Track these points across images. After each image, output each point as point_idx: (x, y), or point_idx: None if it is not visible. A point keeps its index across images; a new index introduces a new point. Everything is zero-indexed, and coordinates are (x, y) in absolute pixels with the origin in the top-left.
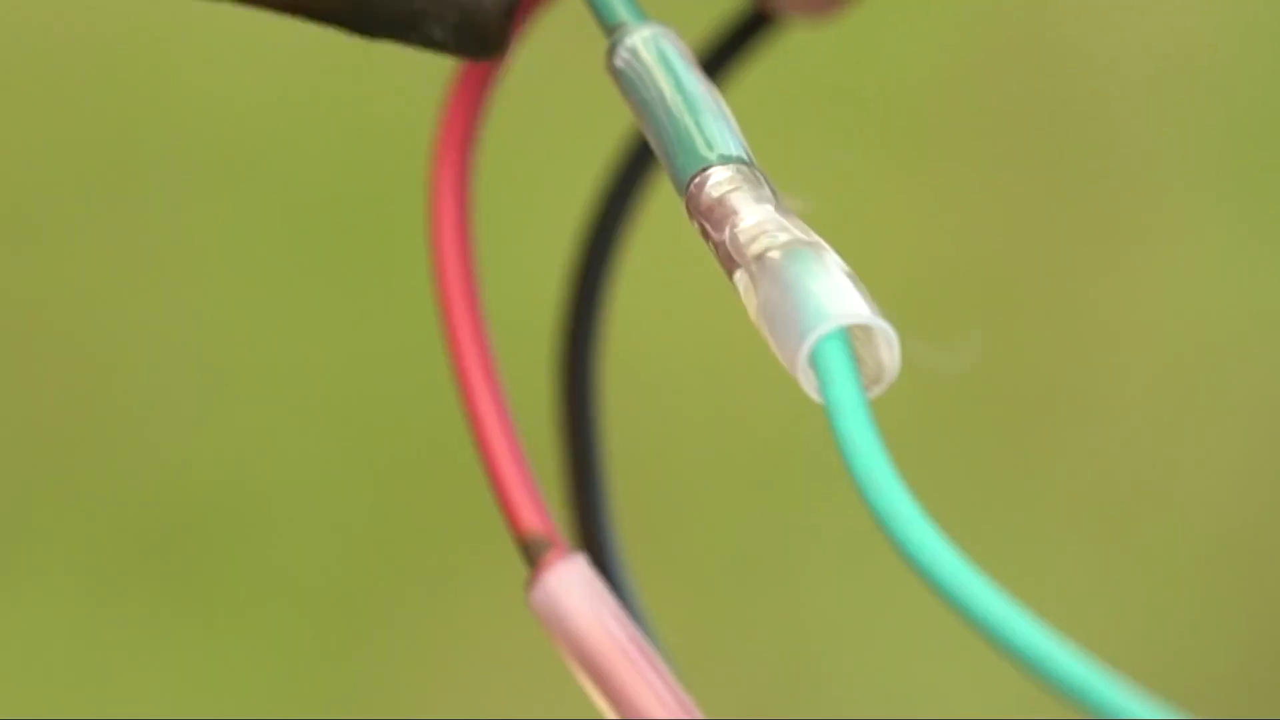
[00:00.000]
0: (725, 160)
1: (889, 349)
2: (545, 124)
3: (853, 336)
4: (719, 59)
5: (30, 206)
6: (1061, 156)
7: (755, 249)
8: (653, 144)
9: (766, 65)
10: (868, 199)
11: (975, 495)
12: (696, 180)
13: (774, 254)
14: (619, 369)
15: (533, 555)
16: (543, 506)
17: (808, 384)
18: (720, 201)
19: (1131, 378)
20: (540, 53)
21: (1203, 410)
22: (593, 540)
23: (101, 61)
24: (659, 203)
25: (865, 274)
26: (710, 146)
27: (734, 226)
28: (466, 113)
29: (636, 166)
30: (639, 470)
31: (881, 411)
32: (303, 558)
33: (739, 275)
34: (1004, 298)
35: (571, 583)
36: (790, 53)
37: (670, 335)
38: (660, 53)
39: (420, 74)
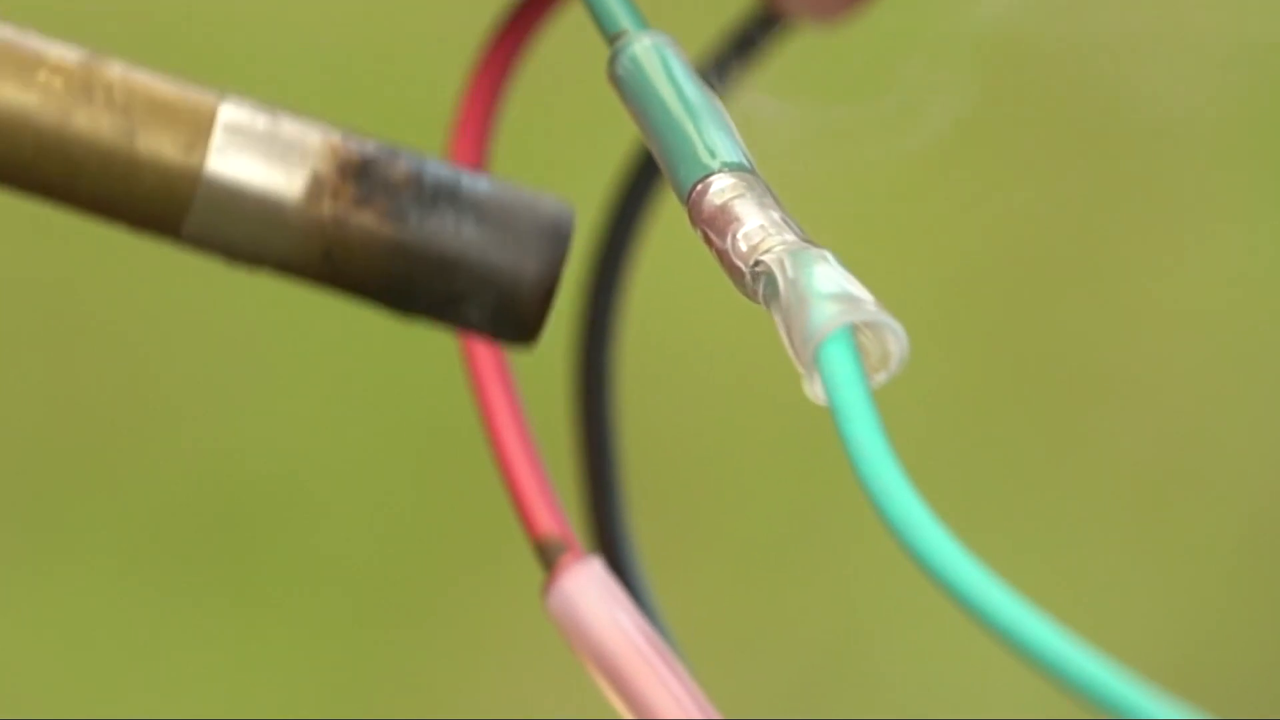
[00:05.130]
0: (727, 167)
1: (896, 340)
2: (552, 131)
3: (860, 334)
4: (728, 60)
5: None
6: (1103, 141)
7: (757, 255)
8: (654, 152)
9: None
10: (907, 186)
11: (1011, 481)
12: (698, 188)
13: (775, 259)
14: (634, 371)
15: (548, 559)
16: (558, 510)
17: (817, 388)
18: (722, 209)
19: (1170, 364)
20: (544, 62)
21: (1242, 398)
22: (609, 542)
23: (144, 50)
24: (674, 203)
25: (906, 261)
26: (712, 154)
27: (735, 233)
28: (480, 118)
29: (646, 173)
30: (656, 472)
31: (916, 394)
32: (345, 544)
33: (751, 284)
34: (1042, 284)
35: (587, 586)
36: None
37: (685, 337)
38: (662, 61)
39: (438, 72)
